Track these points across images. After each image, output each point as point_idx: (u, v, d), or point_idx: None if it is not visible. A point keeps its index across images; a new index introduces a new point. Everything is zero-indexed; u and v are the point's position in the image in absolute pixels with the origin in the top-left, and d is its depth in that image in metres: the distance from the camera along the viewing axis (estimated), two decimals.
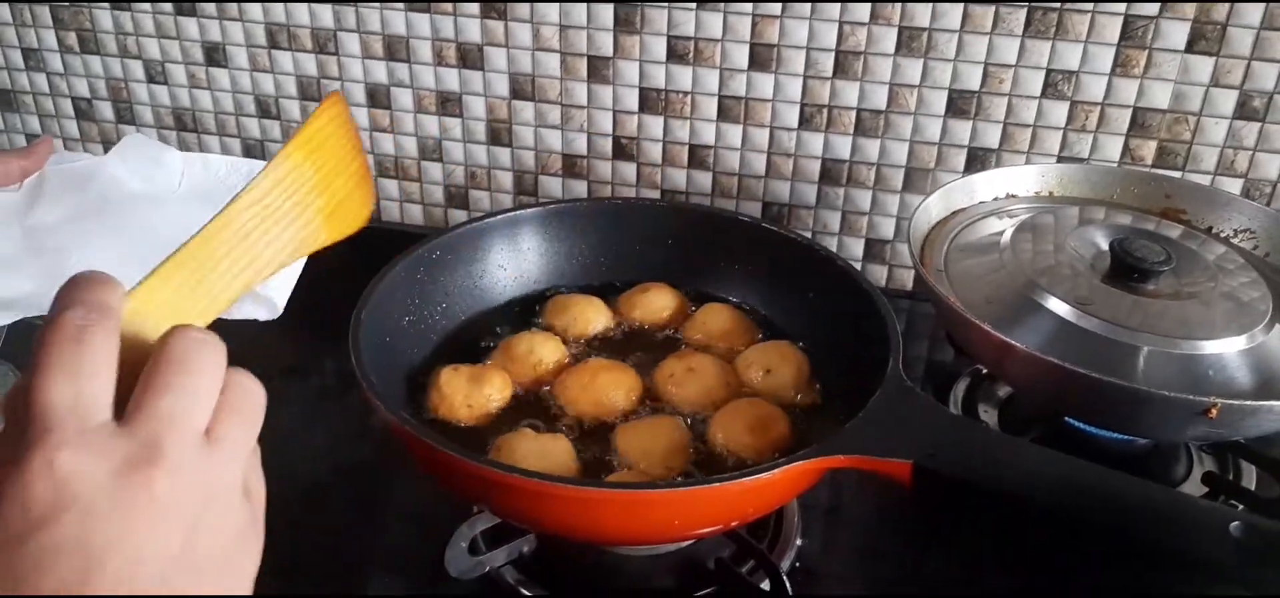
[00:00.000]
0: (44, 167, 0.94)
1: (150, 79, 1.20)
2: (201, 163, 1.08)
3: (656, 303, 0.88)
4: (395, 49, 1.11)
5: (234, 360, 0.41)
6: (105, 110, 1.23)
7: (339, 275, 0.80)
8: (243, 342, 0.47)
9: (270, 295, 0.81)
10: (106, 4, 1.15)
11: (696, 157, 1.11)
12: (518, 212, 0.89)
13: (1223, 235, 0.93)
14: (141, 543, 0.35)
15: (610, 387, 0.78)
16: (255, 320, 0.80)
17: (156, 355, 0.38)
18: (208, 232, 0.44)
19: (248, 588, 0.40)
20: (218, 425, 0.39)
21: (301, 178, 0.48)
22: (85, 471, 0.35)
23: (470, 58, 1.10)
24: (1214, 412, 0.69)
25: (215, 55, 1.16)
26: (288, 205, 0.48)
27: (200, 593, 0.37)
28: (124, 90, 1.21)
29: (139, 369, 0.38)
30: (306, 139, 0.49)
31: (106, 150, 1.25)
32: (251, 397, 0.41)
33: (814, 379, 0.81)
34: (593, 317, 0.86)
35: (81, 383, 0.36)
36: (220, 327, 0.42)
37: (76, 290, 0.38)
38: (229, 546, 0.39)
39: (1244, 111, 0.97)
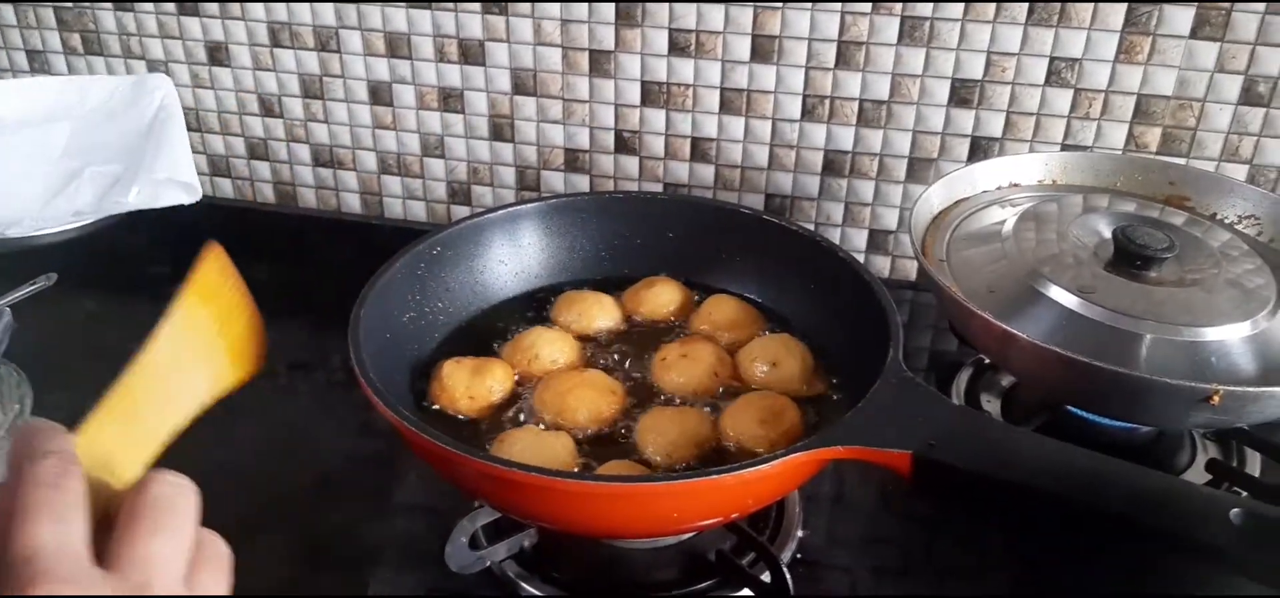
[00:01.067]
0: None
1: None
2: (33, 84, 1.19)
3: (662, 297, 0.88)
4: (397, 46, 1.11)
5: None
6: None
7: (345, 272, 0.81)
8: None
9: (184, 180, 1.12)
10: (109, 5, 1.16)
11: (699, 149, 1.10)
12: (518, 206, 0.89)
13: (1227, 222, 0.92)
14: None
15: (584, 403, 0.76)
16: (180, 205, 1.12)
17: (137, 499, 0.40)
18: (130, 377, 0.46)
19: None
20: (197, 574, 0.40)
21: (201, 323, 0.52)
22: None
23: (472, 53, 1.10)
24: (1216, 398, 0.69)
25: (218, 54, 1.17)
26: (196, 349, 0.51)
27: None
28: None
29: (97, 511, 0.40)
30: (197, 286, 0.52)
31: None
32: (222, 550, 0.43)
33: (819, 371, 0.81)
34: (599, 313, 0.86)
35: (66, 527, 0.37)
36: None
37: (40, 440, 0.39)
38: None
39: (1249, 97, 0.96)
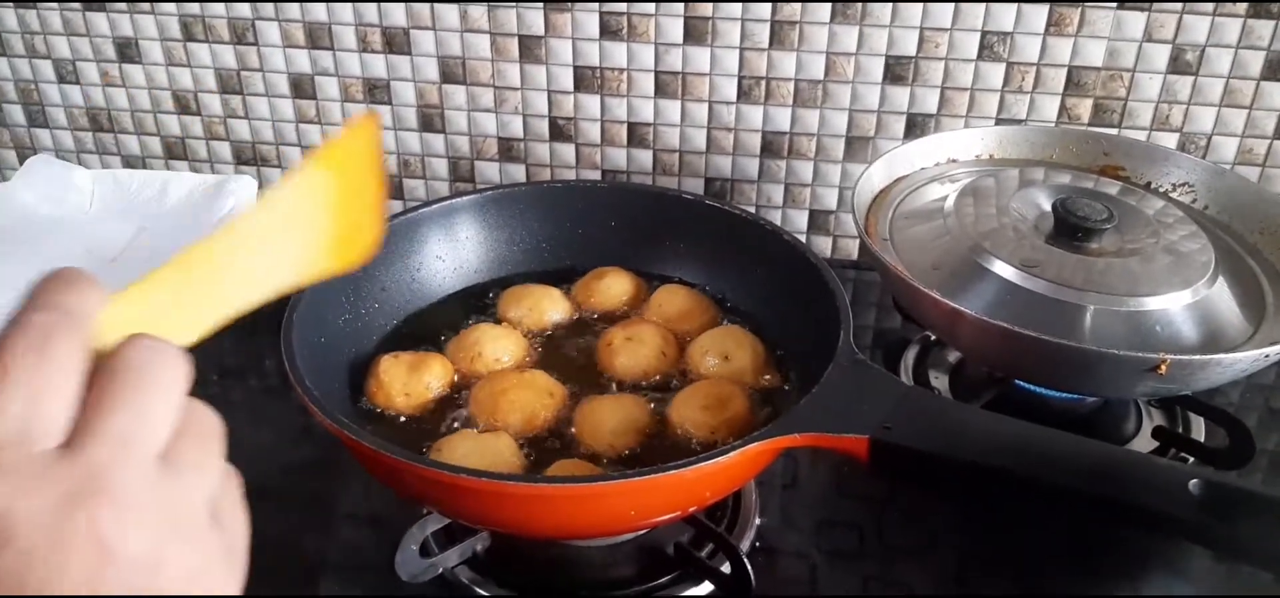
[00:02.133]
0: None
1: (61, 79, 1.14)
2: (112, 179, 1.03)
3: (613, 288, 0.86)
4: (317, 36, 1.07)
5: None
6: (16, 114, 1.17)
7: None
8: None
9: None
10: (10, 2, 1.09)
11: (636, 135, 1.09)
12: (454, 199, 0.86)
13: (1161, 190, 0.93)
14: (84, 584, 0.31)
15: (518, 406, 0.74)
16: None
17: (108, 366, 0.33)
18: (207, 243, 0.39)
19: None
20: (175, 449, 0.34)
21: (318, 197, 0.44)
22: (23, 505, 0.30)
23: (396, 42, 1.06)
24: (1164, 367, 0.69)
25: (128, 51, 1.11)
26: (297, 224, 0.43)
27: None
28: (35, 91, 1.16)
29: None
30: (333, 156, 0.44)
31: (18, 158, 1.20)
32: (210, 423, 0.37)
33: (770, 362, 0.80)
34: (548, 306, 0.84)
35: (39, 403, 0.32)
36: None
37: (48, 291, 0.34)
38: (192, 584, 0.34)
39: (1177, 66, 0.97)
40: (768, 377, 0.79)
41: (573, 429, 0.74)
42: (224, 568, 0.36)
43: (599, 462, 0.71)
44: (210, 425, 0.37)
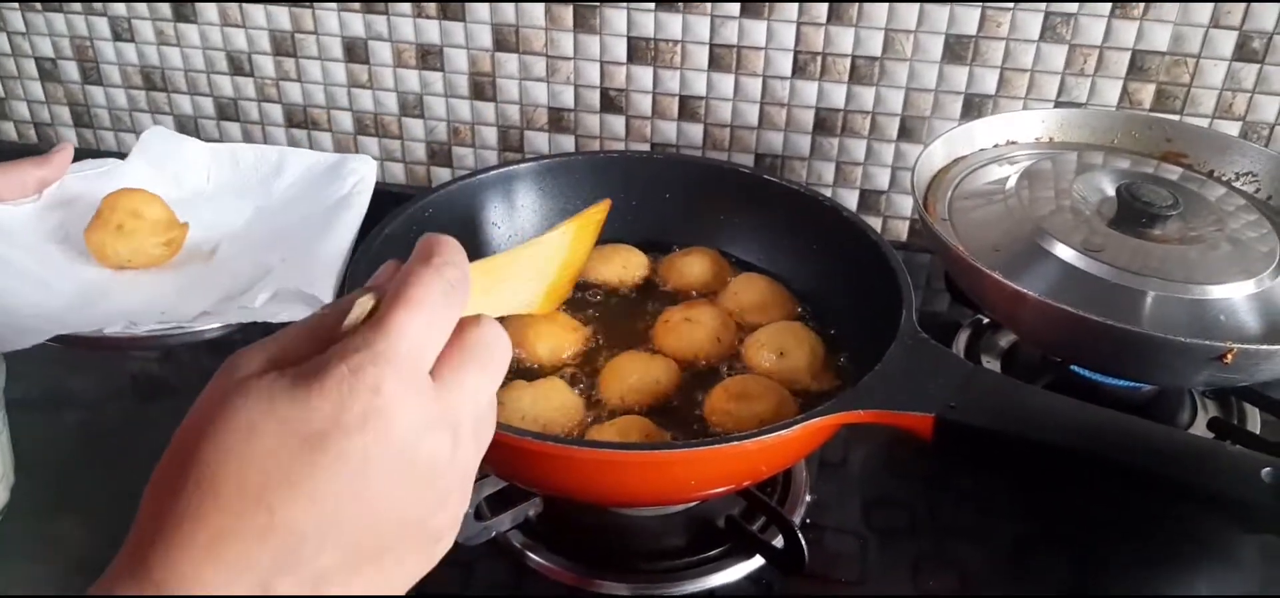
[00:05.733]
0: (63, 175, 0.92)
1: (117, 36, 1.15)
2: (229, 154, 1.02)
3: (694, 268, 0.86)
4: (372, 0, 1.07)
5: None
6: (71, 70, 1.18)
7: None
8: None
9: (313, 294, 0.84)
10: None
11: (687, 108, 1.08)
12: (514, 166, 0.86)
13: (1224, 179, 0.92)
14: (412, 489, 0.39)
15: (543, 337, 0.78)
16: None
17: (478, 340, 0.42)
18: (505, 256, 0.51)
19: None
20: (491, 415, 0.45)
21: (563, 254, 0.56)
22: (404, 411, 0.38)
23: (451, 8, 1.06)
24: (1229, 357, 0.68)
25: (184, 10, 1.12)
26: (544, 269, 0.55)
27: (441, 553, 0.43)
28: (90, 49, 1.16)
29: None
30: (581, 223, 0.57)
31: (71, 115, 1.21)
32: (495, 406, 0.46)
33: (828, 363, 0.78)
34: (633, 268, 0.87)
35: (432, 333, 0.40)
36: None
37: (451, 252, 0.42)
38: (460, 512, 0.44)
39: (1243, 53, 0.96)
40: (822, 380, 0.77)
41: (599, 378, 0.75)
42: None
43: (611, 414, 0.73)
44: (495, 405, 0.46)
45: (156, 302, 0.87)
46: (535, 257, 0.53)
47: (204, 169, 1.01)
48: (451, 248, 0.42)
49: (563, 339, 0.78)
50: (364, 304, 0.40)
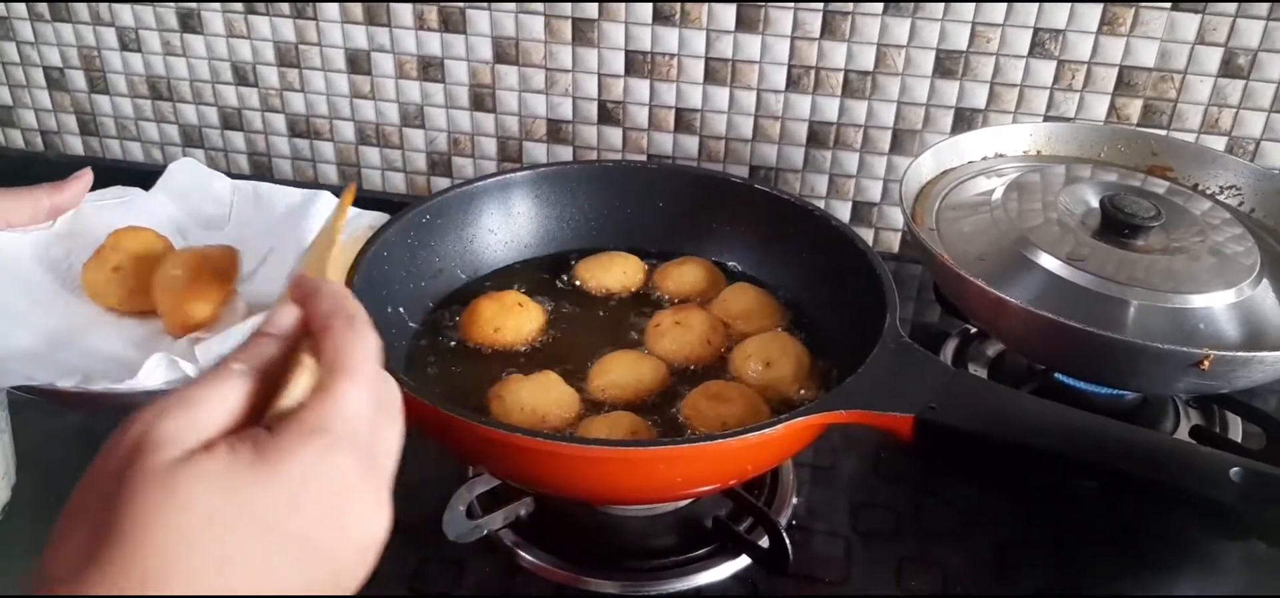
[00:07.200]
0: (80, 204, 0.85)
1: (124, 46, 1.17)
2: (252, 191, 0.94)
3: (687, 276, 0.87)
4: (375, 13, 1.09)
5: None
6: (78, 79, 1.21)
7: None
8: None
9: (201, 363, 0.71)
10: None
11: (683, 120, 1.10)
12: (510, 174, 0.88)
13: (1209, 192, 0.93)
14: (353, 559, 0.41)
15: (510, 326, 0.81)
16: None
17: (391, 397, 0.45)
18: (319, 244, 0.56)
19: None
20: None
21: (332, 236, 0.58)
22: (362, 496, 0.41)
23: (452, 21, 1.08)
24: (1207, 363, 0.70)
25: (190, 21, 1.14)
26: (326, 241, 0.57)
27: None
28: (97, 58, 1.19)
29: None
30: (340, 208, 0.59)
31: (78, 124, 1.23)
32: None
33: (814, 373, 0.79)
34: (627, 275, 0.88)
35: (370, 405, 0.42)
36: None
37: (354, 302, 0.45)
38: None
39: (1228, 69, 0.97)
40: (807, 390, 0.78)
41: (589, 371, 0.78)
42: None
43: (600, 409, 0.74)
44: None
45: (131, 352, 0.78)
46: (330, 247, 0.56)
47: (226, 205, 0.95)
48: (355, 304, 0.45)
49: (524, 321, 0.81)
50: (307, 377, 0.42)
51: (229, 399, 0.40)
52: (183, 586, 0.35)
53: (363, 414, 0.41)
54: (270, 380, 0.42)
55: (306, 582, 0.38)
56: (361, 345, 0.42)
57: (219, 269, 0.78)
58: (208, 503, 0.36)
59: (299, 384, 0.42)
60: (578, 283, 0.87)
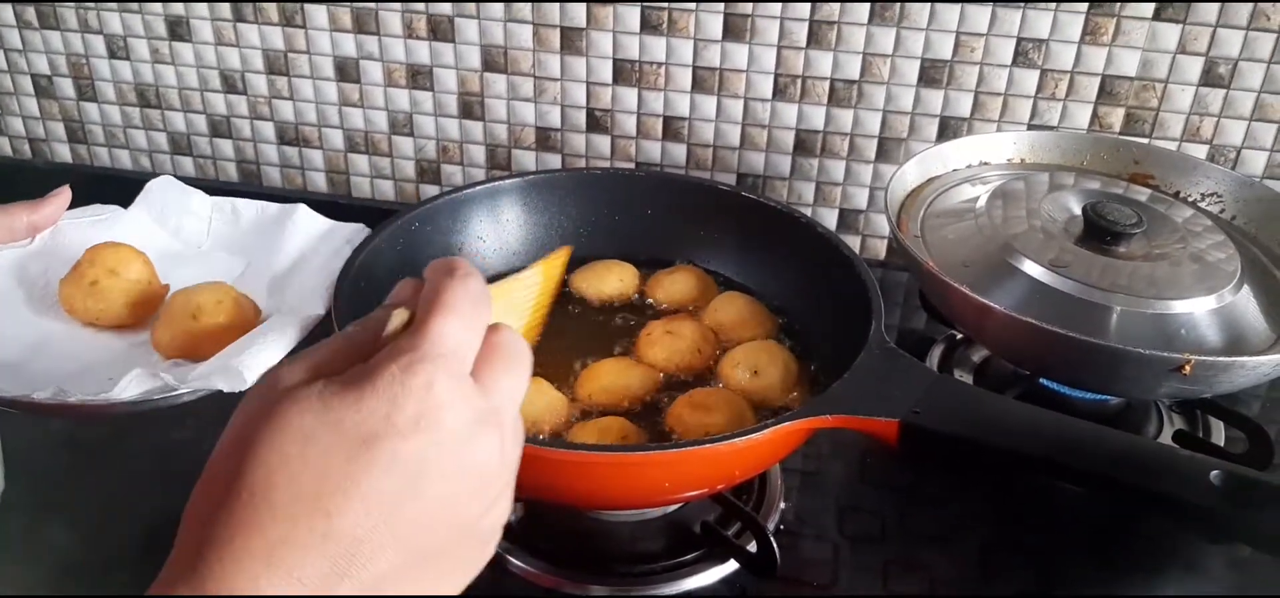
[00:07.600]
0: (58, 220, 0.85)
1: (112, 54, 1.17)
2: (231, 208, 0.95)
3: (679, 285, 0.88)
4: (364, 21, 1.10)
5: None
6: (66, 87, 1.21)
7: None
8: None
9: (241, 368, 0.69)
10: None
11: (670, 128, 1.11)
12: (499, 181, 0.89)
13: (1190, 199, 0.95)
14: (466, 489, 0.40)
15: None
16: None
17: (508, 343, 0.44)
18: (511, 281, 0.55)
19: None
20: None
21: (532, 294, 0.58)
22: (455, 410, 0.39)
23: (441, 29, 1.09)
24: (1188, 368, 0.71)
25: (179, 29, 1.14)
26: (521, 306, 0.57)
27: (489, 555, 0.44)
28: (85, 66, 1.19)
29: None
30: (547, 266, 0.59)
31: (66, 131, 1.23)
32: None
33: (801, 379, 0.80)
34: (617, 282, 0.89)
35: (470, 336, 0.42)
36: None
37: (469, 265, 0.44)
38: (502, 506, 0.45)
39: (1209, 78, 0.98)
40: (795, 397, 0.79)
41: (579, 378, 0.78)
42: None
43: (589, 415, 0.75)
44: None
45: (108, 366, 0.78)
46: (512, 291, 0.56)
47: (205, 222, 0.95)
48: (467, 263, 0.44)
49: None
50: (401, 315, 0.43)
51: (340, 346, 0.42)
52: (287, 502, 0.36)
53: (455, 339, 0.41)
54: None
55: (441, 512, 0.39)
56: (457, 288, 0.42)
57: (247, 324, 0.78)
58: (301, 424, 0.37)
59: (393, 323, 0.43)
60: (574, 292, 0.88)
